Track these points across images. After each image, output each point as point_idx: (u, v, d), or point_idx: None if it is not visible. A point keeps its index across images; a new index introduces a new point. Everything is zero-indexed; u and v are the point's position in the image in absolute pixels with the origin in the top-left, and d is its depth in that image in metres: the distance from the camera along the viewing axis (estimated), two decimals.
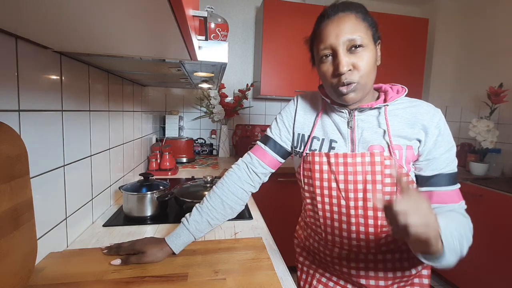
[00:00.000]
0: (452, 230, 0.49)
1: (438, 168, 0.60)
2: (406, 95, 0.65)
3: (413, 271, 0.66)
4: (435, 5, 2.44)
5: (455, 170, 0.61)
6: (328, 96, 0.70)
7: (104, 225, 0.90)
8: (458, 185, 0.61)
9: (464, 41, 2.36)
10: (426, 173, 0.61)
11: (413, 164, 0.63)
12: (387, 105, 0.63)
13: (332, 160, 0.64)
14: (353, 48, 0.57)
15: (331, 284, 0.73)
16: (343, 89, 0.58)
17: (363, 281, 0.66)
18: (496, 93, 1.90)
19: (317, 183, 0.67)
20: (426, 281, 0.68)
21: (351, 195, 0.63)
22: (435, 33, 2.43)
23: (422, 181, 0.62)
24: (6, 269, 0.48)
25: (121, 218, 0.96)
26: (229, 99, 2.33)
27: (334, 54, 0.58)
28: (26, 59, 0.59)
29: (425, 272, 0.69)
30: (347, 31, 0.57)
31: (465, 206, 0.61)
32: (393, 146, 0.61)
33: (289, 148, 0.76)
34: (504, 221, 1.55)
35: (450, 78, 2.46)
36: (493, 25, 2.12)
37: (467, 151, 2.09)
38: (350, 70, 0.57)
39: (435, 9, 2.44)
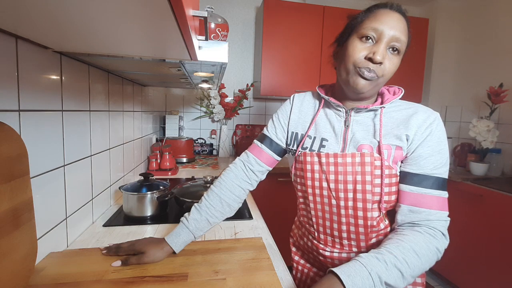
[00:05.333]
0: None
1: (422, 168, 0.59)
2: (402, 96, 0.65)
3: None
4: (435, 5, 2.44)
5: (443, 176, 0.59)
6: (328, 94, 0.71)
7: (104, 225, 0.90)
8: (444, 194, 0.59)
9: (464, 41, 2.36)
10: (409, 169, 0.60)
11: (401, 162, 0.63)
12: (384, 107, 0.63)
13: (323, 160, 0.65)
14: (392, 49, 0.58)
15: None
16: (365, 72, 0.58)
17: None
18: (496, 93, 1.90)
19: (309, 182, 0.67)
20: (419, 280, 0.68)
21: (342, 195, 0.63)
22: (435, 33, 2.43)
23: (404, 178, 0.61)
24: (6, 269, 0.48)
25: (121, 218, 0.96)
26: (229, 99, 2.33)
27: (377, 41, 0.58)
28: (26, 59, 0.59)
29: None
30: (399, 31, 0.57)
31: (447, 219, 0.58)
32: (382, 145, 0.60)
33: (284, 146, 0.77)
34: (504, 221, 1.55)
35: (450, 78, 2.46)
36: (493, 25, 2.12)
37: (467, 151, 2.09)
38: (380, 63, 0.57)
39: (435, 9, 2.44)
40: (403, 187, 0.61)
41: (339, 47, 0.66)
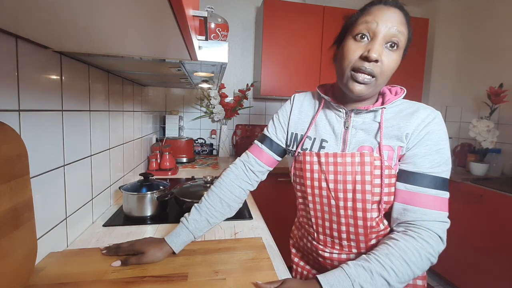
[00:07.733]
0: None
1: (418, 166, 0.58)
2: (405, 96, 0.64)
3: None
4: (435, 5, 2.44)
5: (441, 175, 0.57)
6: (328, 94, 0.70)
7: (104, 225, 0.90)
8: (443, 194, 0.56)
9: (464, 41, 2.36)
10: (405, 167, 0.59)
11: (398, 161, 0.61)
12: (384, 107, 0.62)
13: (323, 159, 0.64)
14: (389, 45, 0.56)
15: None
16: (360, 76, 0.56)
17: None
18: (496, 93, 1.90)
19: (308, 182, 0.67)
20: (420, 282, 0.67)
21: (341, 195, 0.63)
22: (435, 33, 2.43)
23: (400, 176, 0.60)
24: (6, 269, 0.48)
25: (121, 218, 0.96)
26: (229, 99, 2.33)
27: (372, 39, 0.56)
28: (26, 59, 0.59)
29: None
30: (395, 25, 0.55)
31: (446, 221, 0.56)
32: (383, 146, 0.60)
33: (285, 147, 0.77)
34: (504, 221, 1.55)
35: (450, 78, 2.46)
36: (493, 25, 2.12)
37: (467, 151, 2.09)
38: (377, 61, 0.55)
39: (435, 9, 2.44)
40: (399, 185, 0.60)
41: (337, 49, 0.65)
